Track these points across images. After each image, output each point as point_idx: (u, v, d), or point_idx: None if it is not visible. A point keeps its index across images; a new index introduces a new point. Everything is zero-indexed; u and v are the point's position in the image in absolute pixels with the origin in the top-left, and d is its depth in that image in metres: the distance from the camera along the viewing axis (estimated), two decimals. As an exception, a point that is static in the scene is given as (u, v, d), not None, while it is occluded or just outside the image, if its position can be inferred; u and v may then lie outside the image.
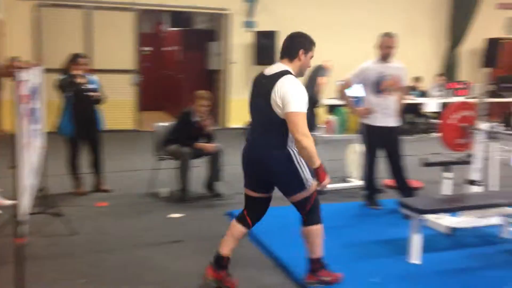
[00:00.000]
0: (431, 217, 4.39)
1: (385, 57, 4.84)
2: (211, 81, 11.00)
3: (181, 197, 5.26)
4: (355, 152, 5.78)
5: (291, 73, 3.09)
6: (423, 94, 10.38)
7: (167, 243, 4.13)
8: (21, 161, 2.97)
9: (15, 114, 2.96)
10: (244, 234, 3.38)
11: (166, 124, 5.64)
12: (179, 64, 11.46)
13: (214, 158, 5.37)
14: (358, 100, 5.20)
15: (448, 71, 11.64)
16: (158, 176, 5.58)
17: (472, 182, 4.40)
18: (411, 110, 10.32)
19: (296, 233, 3.60)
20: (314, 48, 3.20)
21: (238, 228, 3.35)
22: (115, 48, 9.63)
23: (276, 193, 3.44)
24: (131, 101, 9.98)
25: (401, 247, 3.90)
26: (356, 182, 5.76)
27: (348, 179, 5.93)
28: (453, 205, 4.02)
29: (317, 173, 3.05)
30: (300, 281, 3.39)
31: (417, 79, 10.41)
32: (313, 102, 6.27)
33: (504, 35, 12.17)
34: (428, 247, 3.87)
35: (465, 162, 4.50)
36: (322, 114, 7.04)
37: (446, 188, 4.52)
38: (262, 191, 3.30)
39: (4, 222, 4.12)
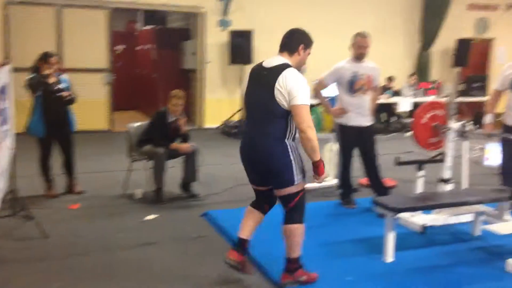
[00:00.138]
0: (404, 215, 4.45)
1: (358, 57, 4.89)
2: (186, 80, 10.93)
3: (156, 198, 5.20)
4: (331, 151, 5.82)
5: (292, 66, 3.16)
6: (395, 93, 10.54)
7: (141, 245, 4.07)
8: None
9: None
10: (262, 219, 3.46)
11: (140, 124, 5.57)
12: (153, 63, 11.35)
13: (190, 158, 5.33)
14: (332, 99, 5.23)
15: (420, 71, 11.84)
16: (132, 177, 5.51)
17: (444, 181, 4.48)
18: (385, 109, 10.48)
19: (272, 232, 3.61)
20: (312, 46, 3.29)
21: (255, 214, 3.42)
22: (87, 46, 9.46)
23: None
24: (104, 101, 9.83)
25: (375, 245, 3.94)
26: (331, 181, 5.80)
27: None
28: (426, 203, 4.08)
29: (318, 165, 3.14)
30: (276, 281, 3.39)
31: (390, 78, 10.56)
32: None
33: (474, 36, 12.45)
34: (402, 245, 3.92)
35: (438, 160, 4.58)
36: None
37: (419, 186, 4.59)
38: (265, 184, 3.34)
39: (-28, 226, 4.01)
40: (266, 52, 11.29)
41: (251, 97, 3.28)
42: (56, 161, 5.45)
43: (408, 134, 9.17)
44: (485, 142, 6.10)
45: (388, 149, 7.15)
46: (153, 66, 11.32)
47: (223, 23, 10.31)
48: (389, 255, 3.77)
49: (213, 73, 10.47)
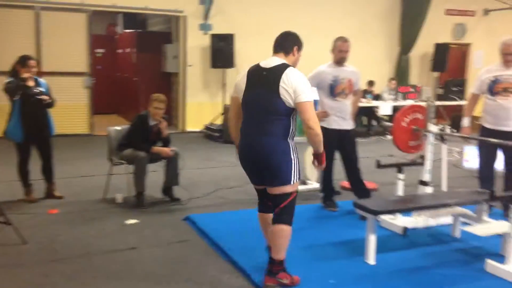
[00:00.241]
0: (385, 217, 4.49)
1: (339, 61, 4.92)
2: (168, 84, 10.88)
3: (137, 203, 5.16)
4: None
5: (291, 66, 3.26)
6: (376, 97, 10.65)
7: (122, 250, 4.03)
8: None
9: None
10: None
11: (120, 127, 5.52)
12: (134, 67, 11.27)
13: (171, 163, 5.30)
14: (316, 103, 5.25)
15: (400, 75, 11.99)
16: (113, 181, 5.45)
17: (424, 183, 4.54)
18: (366, 113, 10.59)
19: (253, 236, 3.61)
20: (303, 49, 3.43)
21: (267, 217, 3.45)
22: (66, 50, 9.35)
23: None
24: (84, 105, 9.72)
25: (358, 248, 3.96)
26: (314, 184, 5.83)
27: (306, 181, 5.98)
28: (406, 206, 4.13)
29: (321, 156, 3.35)
30: (258, 285, 3.38)
31: (370, 83, 10.67)
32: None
33: (452, 40, 12.66)
34: (384, 247, 3.96)
35: (417, 163, 4.63)
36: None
37: (400, 189, 4.64)
38: (263, 183, 3.37)
39: None
40: (248, 56, 11.34)
41: (251, 98, 3.31)
42: (35, 165, 5.37)
43: (389, 137, 9.28)
44: (464, 145, 6.21)
45: (369, 152, 7.22)
46: (134, 70, 11.24)
47: (204, 27, 10.29)
48: (371, 258, 3.80)
49: (194, 77, 10.44)
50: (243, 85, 3.34)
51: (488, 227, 4.06)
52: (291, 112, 3.23)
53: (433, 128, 4.51)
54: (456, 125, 8.31)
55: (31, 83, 5.07)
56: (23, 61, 5.07)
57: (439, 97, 11.31)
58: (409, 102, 9.80)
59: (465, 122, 5.01)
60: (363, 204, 3.92)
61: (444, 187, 4.63)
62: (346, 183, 5.43)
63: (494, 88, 4.74)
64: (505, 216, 4.48)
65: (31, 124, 5.12)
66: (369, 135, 10.43)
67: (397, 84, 11.05)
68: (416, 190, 4.62)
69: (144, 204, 5.15)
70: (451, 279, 3.60)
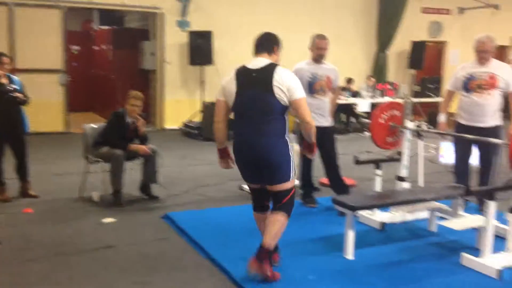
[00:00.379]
0: (364, 213, 4.53)
1: (317, 58, 4.94)
2: (145, 81, 10.76)
3: (114, 201, 5.08)
4: (292, 151, 5.85)
5: (278, 65, 3.31)
6: (354, 94, 10.73)
7: (98, 249, 3.97)
8: None
9: None
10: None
11: (96, 125, 5.44)
12: (110, 64, 11.12)
13: (149, 160, 5.24)
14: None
15: (377, 73, 12.10)
16: (89, 179, 5.37)
17: (401, 179, 4.59)
18: (344, 110, 10.66)
19: (232, 233, 3.60)
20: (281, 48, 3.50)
21: (264, 216, 3.47)
22: (40, 47, 9.17)
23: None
24: (59, 102, 9.55)
25: (336, 243, 3.99)
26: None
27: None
28: (384, 201, 4.17)
29: (312, 145, 3.50)
30: (237, 281, 3.37)
31: (349, 80, 10.74)
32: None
33: (428, 38, 12.83)
34: (362, 242, 3.99)
35: (395, 159, 4.68)
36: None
37: (377, 184, 4.68)
38: (261, 181, 3.39)
39: None
40: (226, 53, 11.30)
41: (244, 99, 3.31)
42: (9, 163, 5.25)
43: (367, 134, 9.37)
44: (440, 141, 6.29)
45: (347, 149, 7.26)
46: (111, 67, 11.09)
47: (182, 24, 10.21)
48: (350, 253, 3.82)
49: (172, 74, 10.36)
50: (233, 88, 3.32)
51: (463, 221, 4.13)
52: (285, 110, 3.30)
53: (410, 124, 4.56)
54: (432, 121, 8.45)
55: (4, 81, 4.97)
56: (-4, 58, 4.96)
57: (416, 94, 11.46)
58: (387, 99, 9.90)
59: (441, 118, 5.08)
60: (341, 200, 3.95)
61: (421, 182, 4.68)
62: (325, 180, 5.45)
63: (468, 85, 4.81)
64: (480, 210, 4.57)
65: (4, 122, 5.01)
66: (348, 132, 10.50)
67: (376, 82, 11.15)
68: (393, 186, 4.67)
69: (122, 202, 5.09)
70: (428, 272, 3.64)
